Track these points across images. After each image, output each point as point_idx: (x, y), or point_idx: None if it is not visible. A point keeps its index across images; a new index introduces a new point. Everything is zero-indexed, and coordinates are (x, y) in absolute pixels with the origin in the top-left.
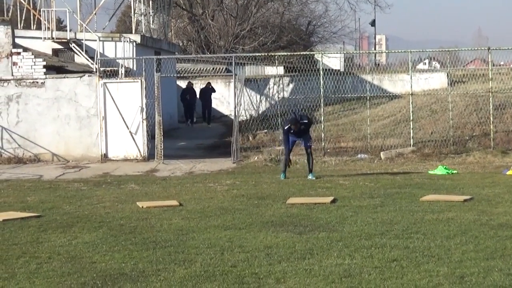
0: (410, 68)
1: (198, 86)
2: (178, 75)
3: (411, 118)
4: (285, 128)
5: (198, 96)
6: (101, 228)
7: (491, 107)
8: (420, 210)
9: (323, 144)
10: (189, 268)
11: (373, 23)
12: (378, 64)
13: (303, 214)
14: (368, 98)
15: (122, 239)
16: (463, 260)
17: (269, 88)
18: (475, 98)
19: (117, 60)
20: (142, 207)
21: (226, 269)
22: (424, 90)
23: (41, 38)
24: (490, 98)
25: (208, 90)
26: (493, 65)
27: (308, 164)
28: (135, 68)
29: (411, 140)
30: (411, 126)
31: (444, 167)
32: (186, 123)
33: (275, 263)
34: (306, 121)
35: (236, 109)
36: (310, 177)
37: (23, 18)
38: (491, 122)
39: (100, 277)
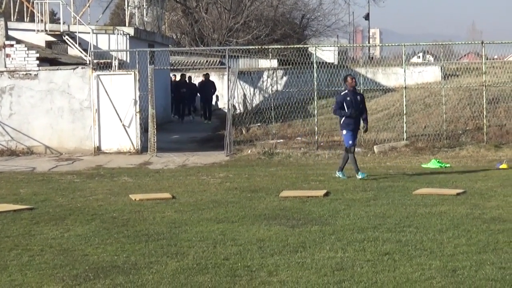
0: (403, 61)
1: (196, 79)
2: (172, 67)
3: (404, 112)
4: (341, 94)
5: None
6: (94, 220)
7: (484, 101)
8: (412, 204)
9: (316, 137)
10: (181, 261)
11: (367, 17)
12: (372, 58)
13: (296, 207)
14: (361, 91)
15: (115, 231)
16: (455, 254)
17: (262, 81)
18: (468, 92)
19: (110, 53)
20: (135, 199)
21: (219, 262)
22: (418, 83)
23: (34, 30)
24: (484, 92)
25: (208, 84)
26: (487, 59)
27: (355, 161)
28: (128, 61)
29: (404, 134)
30: (405, 120)
31: (437, 160)
32: (178, 119)
33: (268, 256)
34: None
35: (230, 102)
36: (360, 176)
37: (17, 10)
38: (484, 116)
39: (92, 270)
